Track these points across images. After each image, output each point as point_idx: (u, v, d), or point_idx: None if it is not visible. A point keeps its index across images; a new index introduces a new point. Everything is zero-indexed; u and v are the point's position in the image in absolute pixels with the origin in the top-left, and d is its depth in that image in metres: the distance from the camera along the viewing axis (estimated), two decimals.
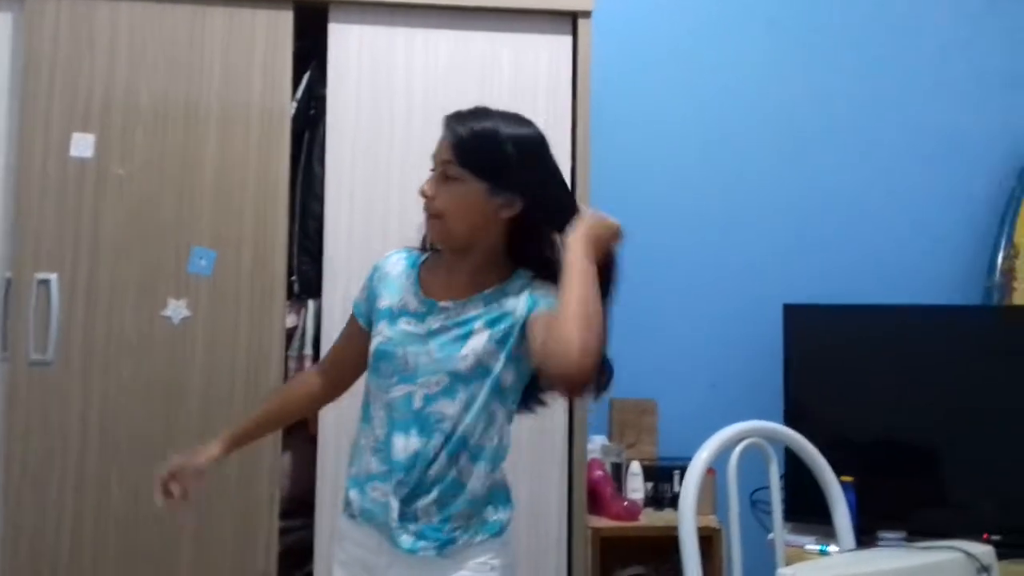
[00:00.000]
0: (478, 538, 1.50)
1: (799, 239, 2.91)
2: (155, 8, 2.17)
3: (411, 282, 1.58)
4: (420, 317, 1.53)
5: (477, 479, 1.50)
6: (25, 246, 2.10)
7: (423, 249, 1.61)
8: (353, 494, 1.52)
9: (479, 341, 1.48)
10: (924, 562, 1.53)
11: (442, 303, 1.53)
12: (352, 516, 1.53)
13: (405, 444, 1.48)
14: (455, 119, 1.54)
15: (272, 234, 2.17)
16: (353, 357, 1.62)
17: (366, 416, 1.55)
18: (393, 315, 1.54)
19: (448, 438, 1.47)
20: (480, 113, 1.55)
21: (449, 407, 1.48)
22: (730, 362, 2.83)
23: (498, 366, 1.47)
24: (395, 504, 1.46)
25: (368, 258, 2.15)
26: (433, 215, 1.50)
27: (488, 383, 1.48)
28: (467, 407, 1.48)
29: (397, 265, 1.60)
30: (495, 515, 1.53)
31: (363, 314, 1.61)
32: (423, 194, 1.50)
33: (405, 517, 1.47)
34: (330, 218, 2.20)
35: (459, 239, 1.51)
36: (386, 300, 1.56)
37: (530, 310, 1.48)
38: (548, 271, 1.51)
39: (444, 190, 1.49)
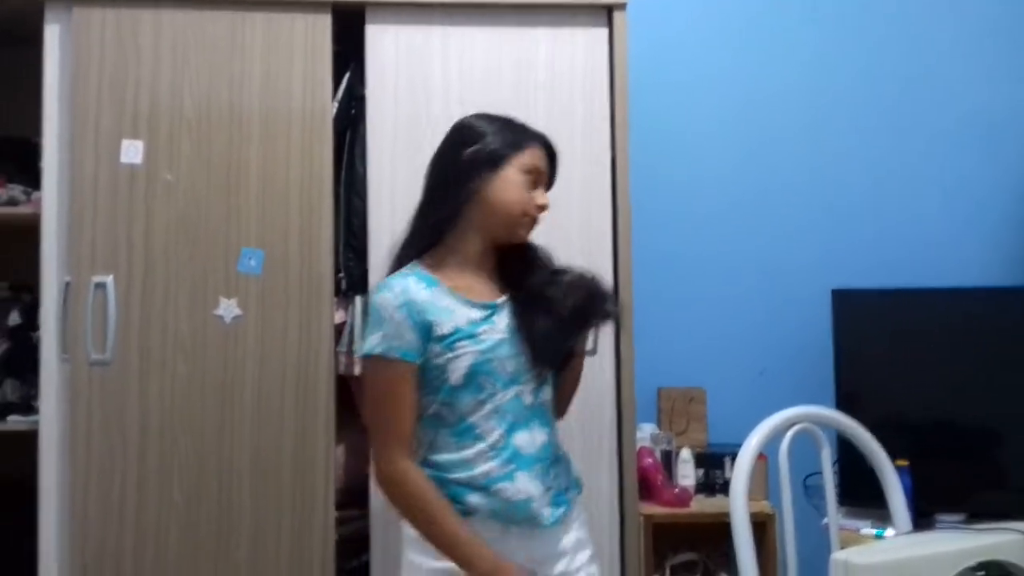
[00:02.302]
0: (575, 494, 1.73)
1: (845, 224, 2.87)
2: (197, 16, 2.22)
3: (449, 298, 1.63)
4: (490, 321, 1.64)
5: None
6: (81, 251, 2.16)
7: (407, 258, 1.70)
8: (475, 499, 1.60)
9: None
10: (981, 544, 1.52)
11: (498, 302, 1.67)
12: (467, 515, 1.60)
13: (532, 438, 1.64)
14: (554, 153, 1.75)
15: (317, 232, 2.20)
16: (416, 403, 1.64)
17: (465, 433, 1.62)
18: (467, 332, 1.61)
19: (552, 422, 1.71)
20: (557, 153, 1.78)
21: (547, 393, 1.69)
22: (779, 349, 2.81)
23: None
24: (537, 491, 1.62)
25: None
26: (535, 221, 1.71)
27: None
28: (552, 389, 1.71)
29: (419, 291, 1.61)
30: (576, 470, 1.77)
31: (419, 354, 1.60)
32: (546, 208, 1.70)
33: (545, 499, 1.63)
34: (373, 215, 2.23)
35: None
36: (447, 323, 1.61)
37: None
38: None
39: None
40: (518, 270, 1.73)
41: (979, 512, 2.33)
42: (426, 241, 1.69)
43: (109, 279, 2.16)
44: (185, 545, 2.14)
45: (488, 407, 1.61)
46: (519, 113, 2.21)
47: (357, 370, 2.22)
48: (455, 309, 1.62)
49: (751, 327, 2.81)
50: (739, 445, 1.87)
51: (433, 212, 1.69)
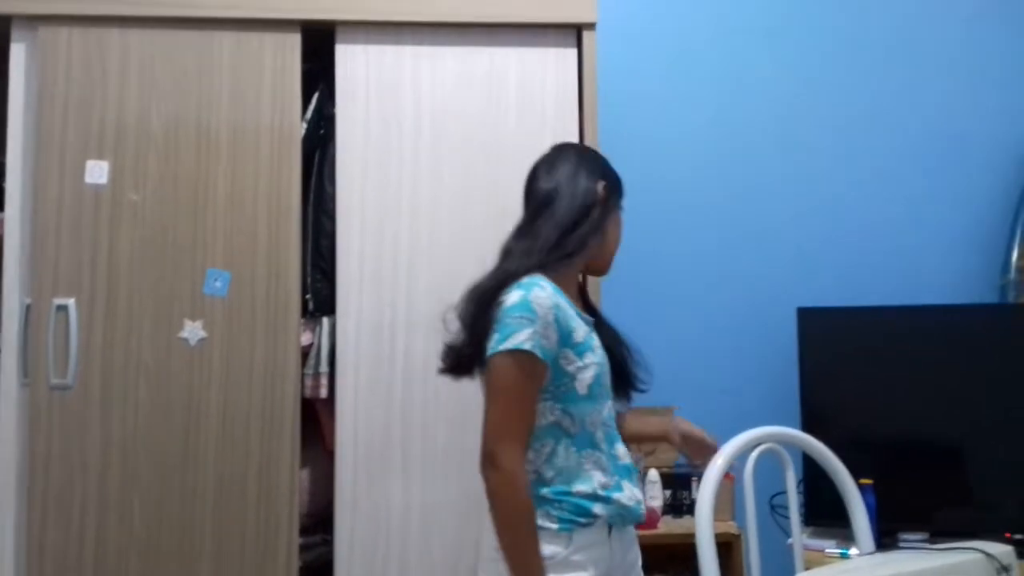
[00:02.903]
0: None
1: (811, 243, 2.91)
2: (164, 35, 2.21)
3: (571, 308, 1.70)
4: (593, 337, 1.72)
5: None
6: (43, 272, 2.13)
7: (539, 266, 1.68)
8: (598, 508, 1.65)
9: None
10: (943, 563, 1.52)
11: (591, 319, 1.77)
12: (585, 526, 1.63)
13: (624, 450, 1.75)
14: None
15: (285, 253, 2.19)
16: None
17: (586, 442, 1.67)
18: (589, 342, 1.69)
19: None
20: None
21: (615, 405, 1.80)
22: (746, 367, 2.83)
23: None
24: (640, 496, 1.74)
25: (380, 274, 2.20)
26: None
27: None
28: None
29: (559, 297, 1.66)
30: None
31: (552, 357, 1.62)
32: None
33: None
34: (342, 236, 2.22)
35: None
36: (579, 331, 1.68)
37: None
38: None
39: None
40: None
41: (943, 530, 2.36)
42: (550, 257, 1.68)
43: (71, 302, 2.13)
44: (145, 572, 2.10)
45: (599, 418, 1.70)
46: (490, 132, 2.25)
47: (323, 393, 2.21)
48: (578, 320, 1.70)
49: (719, 346, 2.83)
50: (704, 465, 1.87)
51: (565, 233, 1.70)
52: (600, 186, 1.76)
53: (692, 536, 1.72)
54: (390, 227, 2.24)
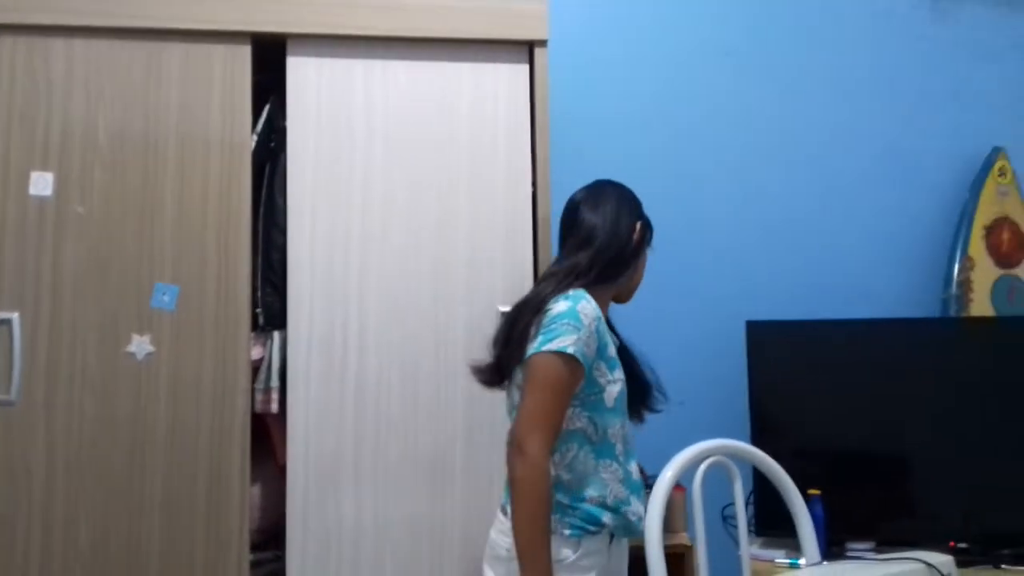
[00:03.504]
0: None
1: (760, 257, 2.95)
2: (111, 45, 2.18)
3: (606, 327, 1.86)
4: (620, 358, 1.89)
5: None
6: None
7: (583, 283, 1.86)
8: (607, 518, 1.79)
9: None
10: (886, 573, 1.56)
11: (618, 342, 1.94)
12: (593, 534, 1.78)
13: (637, 469, 1.90)
14: None
15: (235, 266, 2.17)
16: None
17: (605, 452, 1.82)
18: (617, 363, 1.85)
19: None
20: None
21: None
22: (696, 379, 2.86)
23: None
24: (643, 513, 1.83)
25: (331, 288, 2.19)
26: None
27: None
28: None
29: (598, 310, 1.81)
30: None
31: (589, 365, 1.78)
32: None
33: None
34: (293, 249, 2.21)
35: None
36: (612, 348, 1.85)
37: None
38: None
39: None
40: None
41: (888, 540, 2.41)
42: (589, 280, 1.85)
43: (15, 316, 2.08)
44: None
45: (620, 432, 1.84)
46: (443, 147, 2.25)
47: (274, 407, 2.19)
48: (611, 338, 1.87)
49: (668, 358, 2.84)
50: (657, 476, 1.89)
51: (608, 263, 1.90)
52: (639, 225, 1.97)
53: (643, 547, 1.74)
54: (341, 240, 2.23)
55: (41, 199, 2.13)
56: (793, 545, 2.33)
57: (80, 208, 2.13)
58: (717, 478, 2.00)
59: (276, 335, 2.22)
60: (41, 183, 2.13)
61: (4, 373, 2.07)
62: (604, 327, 1.83)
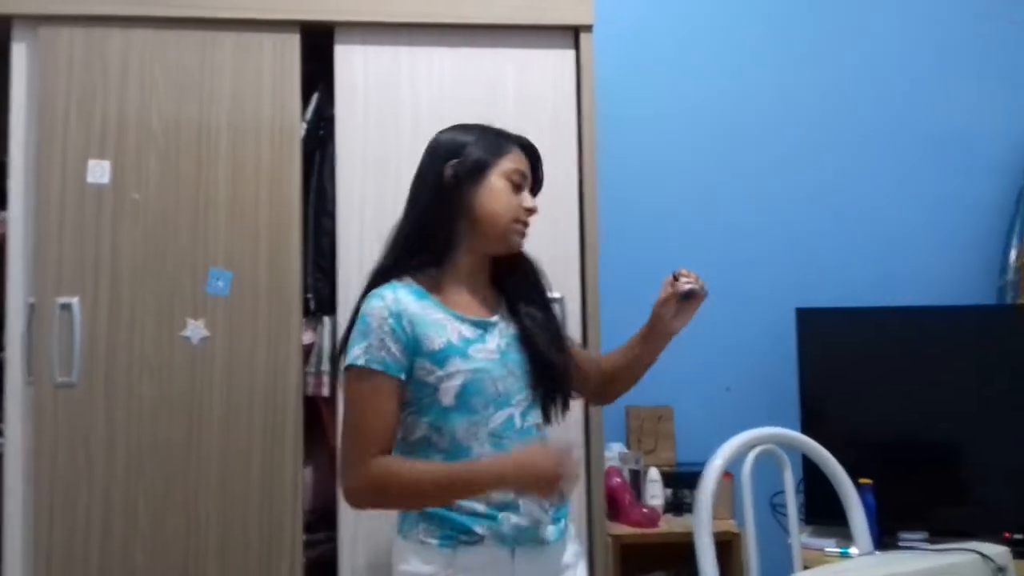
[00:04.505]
0: (567, 507, 1.67)
1: (810, 244, 2.91)
2: (165, 35, 2.22)
3: (441, 312, 1.56)
4: (482, 339, 1.57)
5: None
6: (47, 272, 2.14)
7: (395, 274, 1.58)
8: (481, 528, 1.52)
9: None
10: (939, 564, 1.53)
11: (491, 319, 1.61)
12: (469, 544, 1.52)
13: None
14: (538, 155, 1.69)
15: (286, 253, 2.20)
16: (397, 419, 1.55)
17: (458, 456, 1.52)
18: (458, 349, 1.53)
19: (542, 442, 1.62)
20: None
21: (535, 416, 1.62)
22: (746, 366, 2.84)
23: None
24: (541, 512, 1.56)
25: None
26: (527, 225, 1.64)
27: None
28: (545, 412, 1.65)
29: (410, 303, 1.54)
30: None
31: (402, 368, 1.51)
32: (536, 211, 1.63)
33: (548, 516, 1.59)
34: (342, 235, 2.24)
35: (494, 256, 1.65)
36: (437, 339, 1.53)
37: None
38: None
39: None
40: (515, 283, 1.68)
41: (941, 530, 2.37)
42: (416, 260, 1.59)
43: (75, 300, 2.14)
44: (151, 569, 2.12)
45: (482, 430, 1.54)
46: None
47: (325, 391, 2.22)
48: (446, 324, 1.55)
49: (718, 346, 2.84)
50: (704, 464, 1.89)
51: (421, 231, 1.60)
52: (448, 168, 1.61)
53: (692, 535, 1.74)
54: (389, 225, 2.22)
55: (99, 187, 2.18)
56: (843, 534, 2.31)
57: (136, 195, 2.18)
58: (765, 466, 1.99)
59: (326, 320, 2.25)
60: (98, 171, 2.18)
61: (65, 356, 2.13)
62: (420, 318, 1.53)
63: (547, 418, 1.65)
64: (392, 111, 2.27)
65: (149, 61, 2.21)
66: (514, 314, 1.64)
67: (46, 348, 2.12)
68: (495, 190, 1.59)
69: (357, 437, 1.50)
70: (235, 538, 2.14)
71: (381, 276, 1.60)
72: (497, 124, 1.67)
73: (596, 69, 2.30)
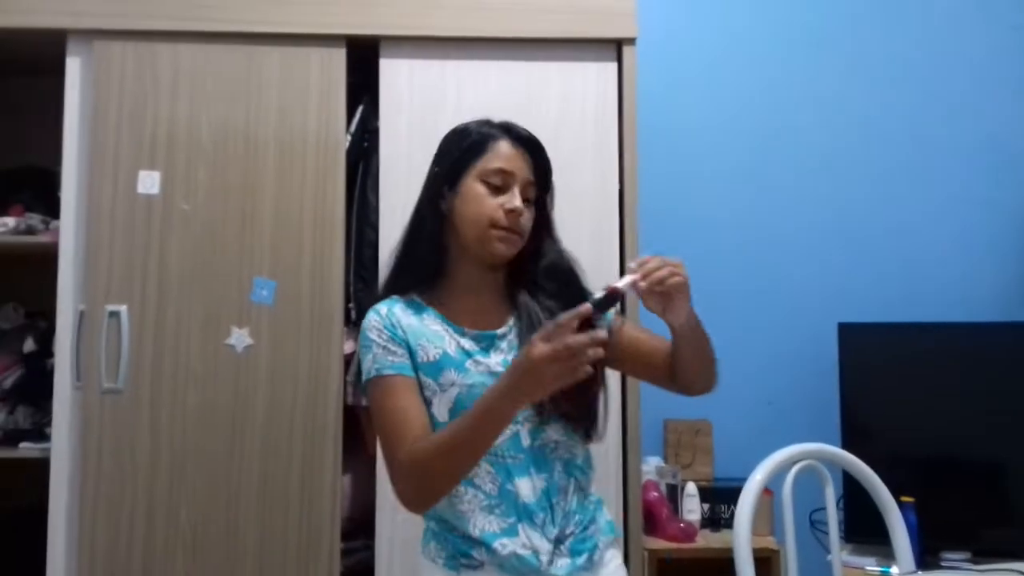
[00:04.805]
0: (605, 539, 1.52)
1: (853, 258, 2.89)
2: (214, 49, 2.26)
3: (440, 324, 1.48)
4: (485, 352, 1.47)
5: (591, 485, 1.54)
6: (97, 280, 2.19)
7: (394, 293, 1.53)
8: (479, 554, 1.43)
9: None
10: None
11: (499, 331, 1.50)
12: (475, 568, 1.43)
13: (532, 485, 1.44)
14: (531, 143, 1.54)
15: (329, 263, 2.23)
16: (423, 412, 1.45)
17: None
18: (455, 361, 1.45)
19: (566, 463, 1.48)
20: (538, 141, 1.56)
21: (555, 433, 1.47)
22: (786, 381, 2.82)
23: None
24: (546, 546, 1.42)
25: None
26: (517, 232, 1.48)
27: None
28: (566, 429, 1.48)
29: (406, 315, 1.48)
30: (607, 515, 1.57)
31: (411, 368, 1.45)
32: (519, 211, 1.46)
33: (557, 550, 1.43)
34: (385, 246, 2.26)
35: (513, 258, 1.51)
36: (433, 350, 1.46)
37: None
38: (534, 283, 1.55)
39: (526, 209, 1.49)
40: (532, 291, 1.53)
41: (985, 550, 2.33)
42: (414, 276, 1.53)
43: (123, 308, 2.19)
44: (191, 573, 2.15)
45: None
46: None
47: (365, 400, 2.24)
48: (444, 336, 1.47)
49: (758, 360, 2.82)
50: (745, 479, 1.87)
51: (414, 245, 1.54)
52: (428, 178, 1.56)
53: (730, 550, 1.73)
54: None
55: (148, 197, 2.23)
56: (883, 552, 2.28)
57: (185, 205, 2.23)
58: (804, 482, 1.97)
59: None
60: (148, 181, 2.23)
61: (113, 363, 2.18)
62: (416, 330, 1.46)
63: (588, 437, 1.52)
64: (435, 124, 2.28)
65: (199, 74, 2.26)
66: (530, 326, 1.48)
67: (95, 355, 2.17)
68: (468, 195, 1.48)
69: (390, 441, 1.42)
70: (274, 544, 2.17)
71: (384, 293, 1.55)
72: (541, 137, 1.56)
73: (639, 82, 2.31)
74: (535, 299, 1.52)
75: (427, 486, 1.39)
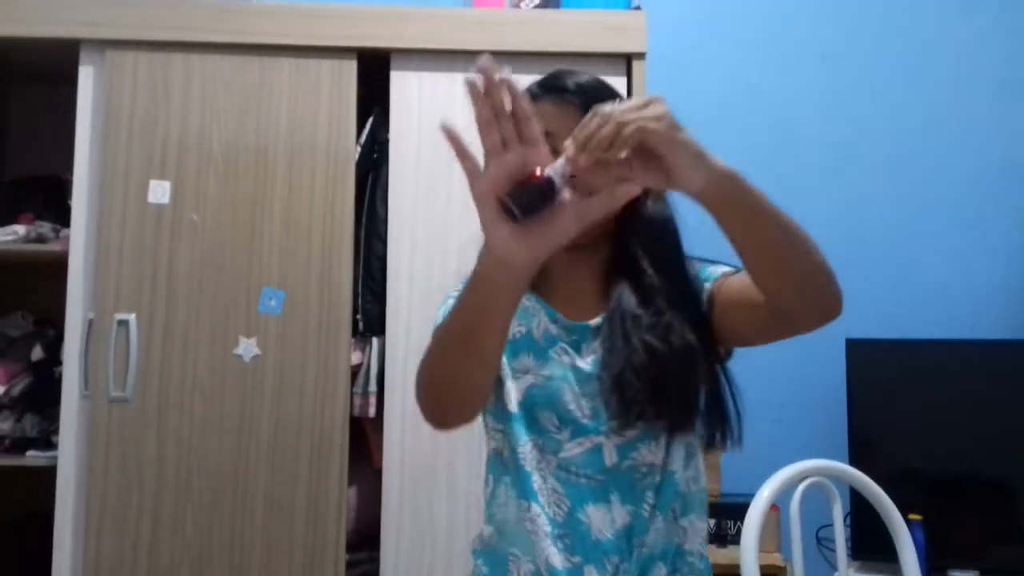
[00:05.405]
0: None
1: (861, 274, 2.88)
2: (226, 60, 2.28)
3: (534, 301, 1.22)
4: (575, 347, 1.19)
5: (697, 536, 1.20)
6: (106, 288, 2.20)
7: None
8: None
9: None
10: None
11: (592, 323, 1.21)
12: None
13: (608, 518, 1.14)
14: (551, 87, 1.26)
15: (338, 274, 2.24)
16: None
17: (522, 484, 1.16)
18: (538, 346, 1.19)
19: (659, 494, 1.16)
20: (557, 80, 1.26)
21: (650, 453, 1.16)
22: (793, 397, 2.81)
23: None
24: None
25: (429, 296, 2.23)
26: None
27: None
28: (669, 447, 1.17)
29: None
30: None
31: None
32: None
33: None
34: (393, 258, 2.27)
35: (597, 228, 1.13)
36: (516, 326, 1.20)
37: (706, 283, 1.22)
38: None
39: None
40: (628, 273, 1.23)
41: (992, 569, 2.32)
42: None
43: (132, 317, 2.19)
44: None
45: (551, 460, 1.16)
46: None
47: (372, 412, 2.24)
48: (535, 316, 1.21)
49: (765, 375, 2.81)
50: (752, 495, 1.87)
51: None
52: None
53: (737, 566, 1.72)
54: (440, 250, 2.27)
55: (158, 206, 2.23)
56: (891, 570, 2.26)
57: (194, 216, 2.23)
58: (812, 499, 1.96)
59: (375, 341, 2.28)
60: (159, 191, 2.24)
61: (121, 372, 2.18)
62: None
63: (710, 443, 1.24)
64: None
65: (210, 85, 2.27)
66: (621, 319, 1.18)
67: (103, 363, 2.18)
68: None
69: None
70: (279, 556, 2.16)
71: None
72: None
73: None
74: (638, 282, 1.21)
75: (426, 383, 1.16)
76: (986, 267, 2.88)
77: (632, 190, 0.93)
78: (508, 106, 0.94)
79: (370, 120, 2.34)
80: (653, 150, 0.94)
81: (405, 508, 2.20)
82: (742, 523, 1.76)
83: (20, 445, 2.35)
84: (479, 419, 1.22)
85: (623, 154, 0.93)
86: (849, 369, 2.59)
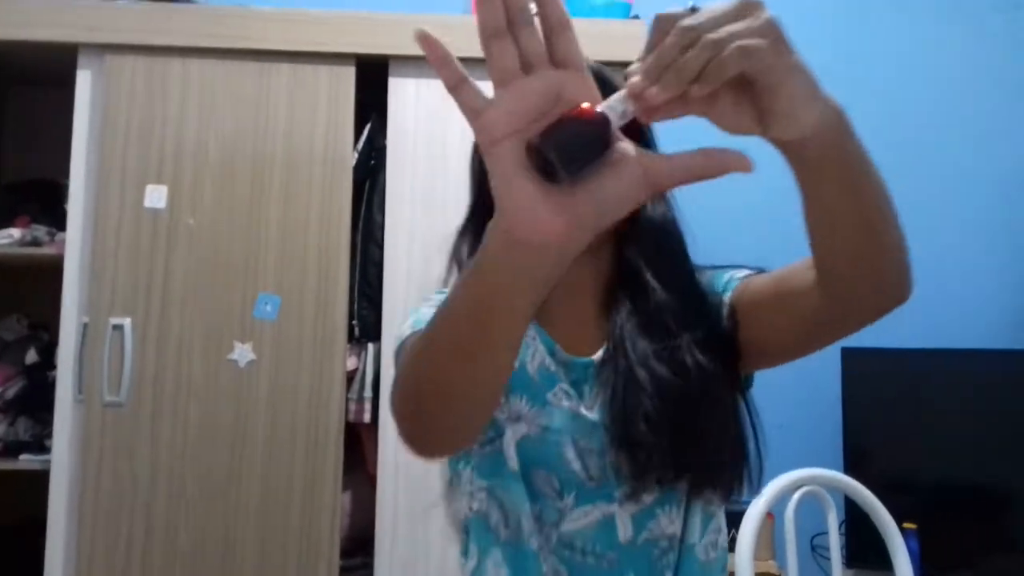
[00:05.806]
0: None
1: None
2: (224, 65, 2.28)
3: (539, 333, 1.00)
4: (577, 388, 0.97)
5: None
6: (101, 292, 2.20)
7: None
8: None
9: None
10: None
11: (596, 358, 0.99)
12: None
13: None
14: None
15: (334, 279, 2.24)
16: None
17: (519, 560, 0.95)
18: (533, 386, 0.97)
19: (678, 574, 0.96)
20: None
21: (669, 523, 0.96)
22: (788, 406, 2.79)
23: None
24: None
25: None
26: None
27: None
28: (687, 514, 0.96)
29: None
30: None
31: None
32: None
33: None
34: (389, 263, 2.27)
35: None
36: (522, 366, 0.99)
37: (723, 293, 0.97)
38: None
39: None
40: (632, 289, 1.02)
41: None
42: None
43: (127, 321, 2.19)
44: None
45: (550, 533, 0.96)
46: None
47: (367, 418, 2.24)
48: (530, 345, 1.00)
49: (761, 384, 2.81)
50: (747, 503, 1.87)
51: None
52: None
53: (732, 575, 1.72)
54: (437, 257, 2.26)
55: (155, 211, 2.23)
56: None
57: (191, 220, 2.23)
58: (807, 507, 1.96)
59: (370, 347, 2.27)
60: (155, 196, 2.24)
61: (115, 376, 2.18)
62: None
63: (728, 494, 1.02)
64: (442, 144, 2.30)
65: (208, 90, 2.27)
66: (623, 353, 0.98)
67: (97, 367, 2.17)
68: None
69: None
70: (273, 561, 2.16)
71: None
72: None
73: None
74: (643, 301, 1.00)
75: (410, 395, 0.84)
76: (981, 277, 2.89)
77: (745, 163, 0.67)
78: (533, 7, 0.61)
79: (367, 126, 2.35)
80: (751, 79, 0.65)
81: (400, 514, 2.19)
82: (737, 531, 1.76)
83: (13, 449, 2.33)
84: (450, 466, 1.01)
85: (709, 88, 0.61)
86: (844, 378, 2.60)
